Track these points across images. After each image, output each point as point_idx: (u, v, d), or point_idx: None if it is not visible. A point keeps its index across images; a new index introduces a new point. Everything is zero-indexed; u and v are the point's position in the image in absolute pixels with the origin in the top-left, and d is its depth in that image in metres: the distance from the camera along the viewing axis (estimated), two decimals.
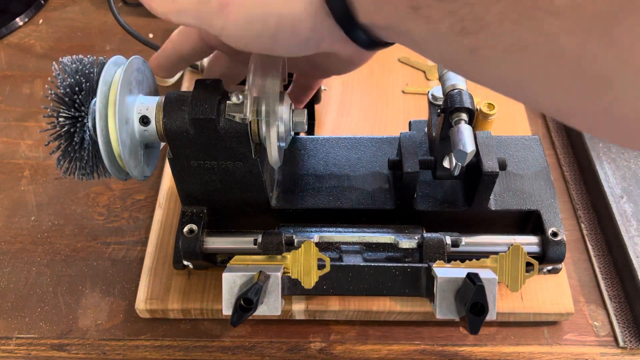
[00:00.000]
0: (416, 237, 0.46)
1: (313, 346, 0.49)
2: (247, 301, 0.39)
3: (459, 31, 0.28)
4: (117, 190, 0.60)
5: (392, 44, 0.36)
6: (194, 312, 0.50)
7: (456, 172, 0.45)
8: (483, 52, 0.28)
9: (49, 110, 0.40)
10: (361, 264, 0.44)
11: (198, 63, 0.60)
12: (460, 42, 0.28)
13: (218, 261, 0.50)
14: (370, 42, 0.35)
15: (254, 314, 0.40)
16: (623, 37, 0.23)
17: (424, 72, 0.68)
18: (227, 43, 0.35)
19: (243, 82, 0.41)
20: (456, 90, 0.42)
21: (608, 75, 0.25)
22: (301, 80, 0.48)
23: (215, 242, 0.47)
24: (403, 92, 0.67)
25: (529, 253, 0.44)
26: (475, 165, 0.45)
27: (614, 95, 0.25)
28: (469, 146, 0.39)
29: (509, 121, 0.63)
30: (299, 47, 0.35)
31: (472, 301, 0.38)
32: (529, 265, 0.43)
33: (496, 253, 0.43)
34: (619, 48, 0.24)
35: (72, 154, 0.41)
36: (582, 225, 0.57)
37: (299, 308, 0.49)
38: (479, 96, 0.64)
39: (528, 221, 0.49)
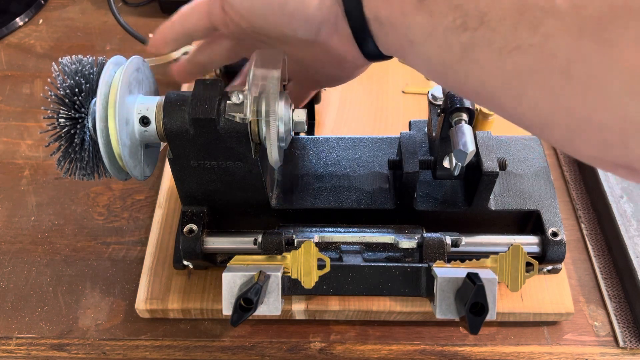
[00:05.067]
0: (416, 237, 0.46)
1: (313, 346, 0.49)
2: (247, 301, 0.39)
3: (459, 25, 0.28)
4: (117, 190, 0.60)
5: (382, 56, 0.38)
6: (194, 312, 0.50)
7: (456, 172, 0.45)
8: (477, 51, 0.28)
9: (49, 111, 0.40)
10: (361, 264, 0.44)
11: None
12: (457, 39, 0.29)
13: (218, 261, 0.50)
14: (366, 40, 0.36)
15: (254, 314, 0.40)
16: (614, 38, 0.24)
17: None
18: (232, 14, 0.37)
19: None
20: None
21: (596, 77, 0.25)
22: (294, 90, 0.49)
23: (215, 242, 0.47)
24: (403, 92, 0.67)
25: (529, 253, 0.44)
26: (475, 165, 0.45)
27: (600, 99, 0.25)
28: (469, 146, 0.39)
29: (509, 121, 0.62)
30: (301, 23, 0.36)
31: (472, 301, 0.38)
32: (529, 265, 0.43)
33: (496, 253, 0.43)
34: (610, 49, 0.24)
35: (72, 155, 0.41)
36: (582, 225, 0.57)
37: (299, 308, 0.49)
38: None
39: (528, 221, 0.49)
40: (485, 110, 0.53)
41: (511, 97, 0.29)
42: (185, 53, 0.68)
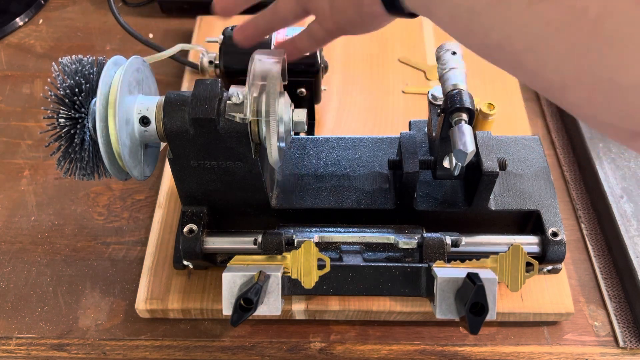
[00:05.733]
0: (416, 237, 0.46)
1: (313, 346, 0.49)
2: (247, 301, 0.39)
3: None
4: (117, 190, 0.60)
5: (401, 11, 0.37)
6: (194, 312, 0.50)
7: (456, 172, 0.45)
8: (505, 1, 0.28)
9: (49, 111, 0.40)
10: (361, 264, 0.44)
11: (198, 63, 0.60)
12: None
13: (218, 261, 0.50)
14: None
15: (254, 314, 0.40)
16: None
17: (424, 72, 0.68)
18: None
19: (243, 83, 0.41)
20: (456, 90, 0.42)
21: (626, 34, 0.25)
22: (314, 28, 0.46)
23: (215, 242, 0.47)
24: (403, 92, 0.67)
25: (529, 253, 0.44)
26: (475, 165, 0.45)
27: (626, 59, 0.25)
28: (469, 146, 0.39)
29: (509, 121, 0.63)
30: None
31: (472, 301, 0.38)
32: (529, 265, 0.43)
33: (496, 253, 0.43)
34: None
35: (72, 155, 0.41)
36: (582, 225, 0.57)
37: (299, 308, 0.49)
38: (479, 96, 0.64)
39: (528, 221, 0.49)
40: (485, 110, 0.53)
41: (534, 54, 0.29)
42: (183, 51, 0.68)
